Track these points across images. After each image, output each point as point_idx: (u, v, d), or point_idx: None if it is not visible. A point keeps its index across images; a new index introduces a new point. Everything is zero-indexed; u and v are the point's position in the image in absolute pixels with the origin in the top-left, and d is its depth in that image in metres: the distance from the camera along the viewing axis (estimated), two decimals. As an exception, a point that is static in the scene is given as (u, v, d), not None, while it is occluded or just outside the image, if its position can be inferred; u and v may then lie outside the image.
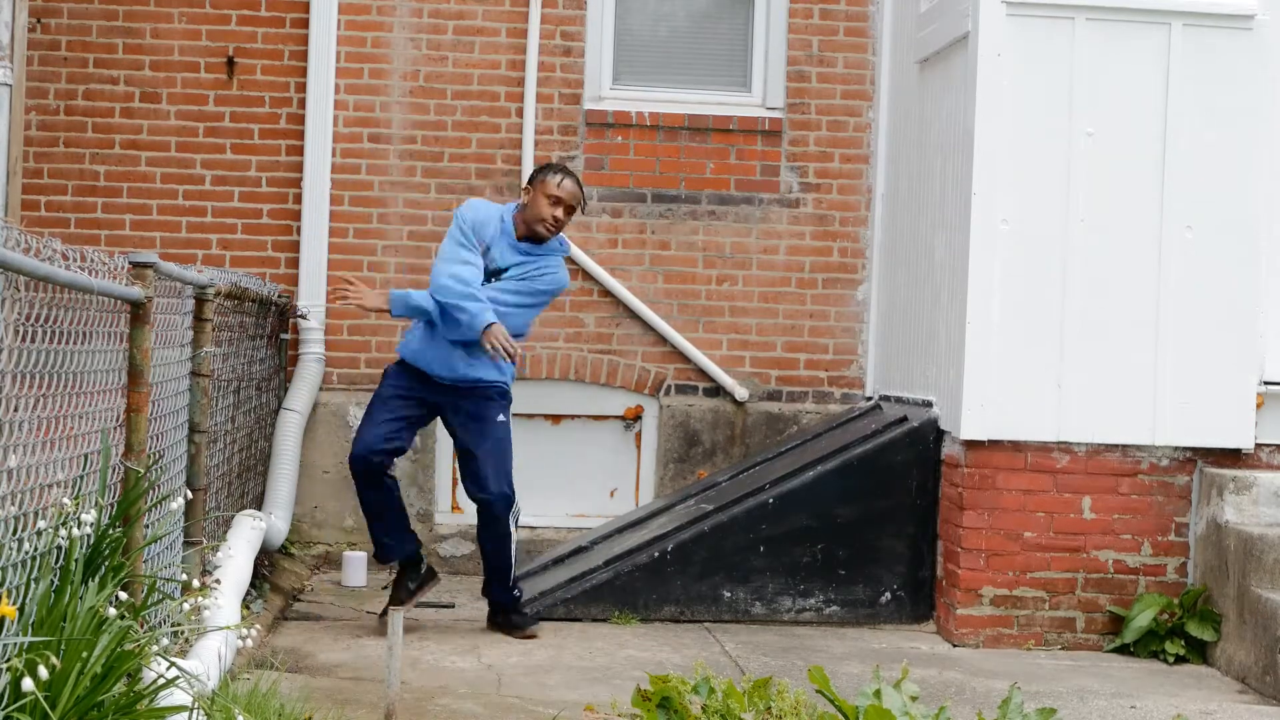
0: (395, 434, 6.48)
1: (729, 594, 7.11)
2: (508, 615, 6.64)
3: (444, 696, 5.31)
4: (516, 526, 6.59)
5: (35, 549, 3.70)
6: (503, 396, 6.55)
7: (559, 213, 6.48)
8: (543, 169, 6.61)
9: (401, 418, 6.50)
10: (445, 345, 6.44)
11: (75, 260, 3.90)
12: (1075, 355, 6.79)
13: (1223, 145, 6.82)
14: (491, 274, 6.46)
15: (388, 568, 6.91)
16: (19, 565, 3.61)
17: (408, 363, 6.56)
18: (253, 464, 7.51)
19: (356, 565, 7.60)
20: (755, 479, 7.45)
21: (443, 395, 6.52)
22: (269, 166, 8.28)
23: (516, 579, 6.70)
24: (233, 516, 6.62)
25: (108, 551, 4.08)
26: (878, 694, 4.51)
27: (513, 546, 6.56)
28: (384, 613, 6.57)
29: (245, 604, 6.10)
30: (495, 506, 6.46)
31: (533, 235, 6.51)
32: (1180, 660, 6.57)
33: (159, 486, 4.80)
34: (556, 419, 8.38)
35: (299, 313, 8.19)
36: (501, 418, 6.52)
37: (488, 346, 6.25)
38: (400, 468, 8.22)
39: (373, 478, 6.47)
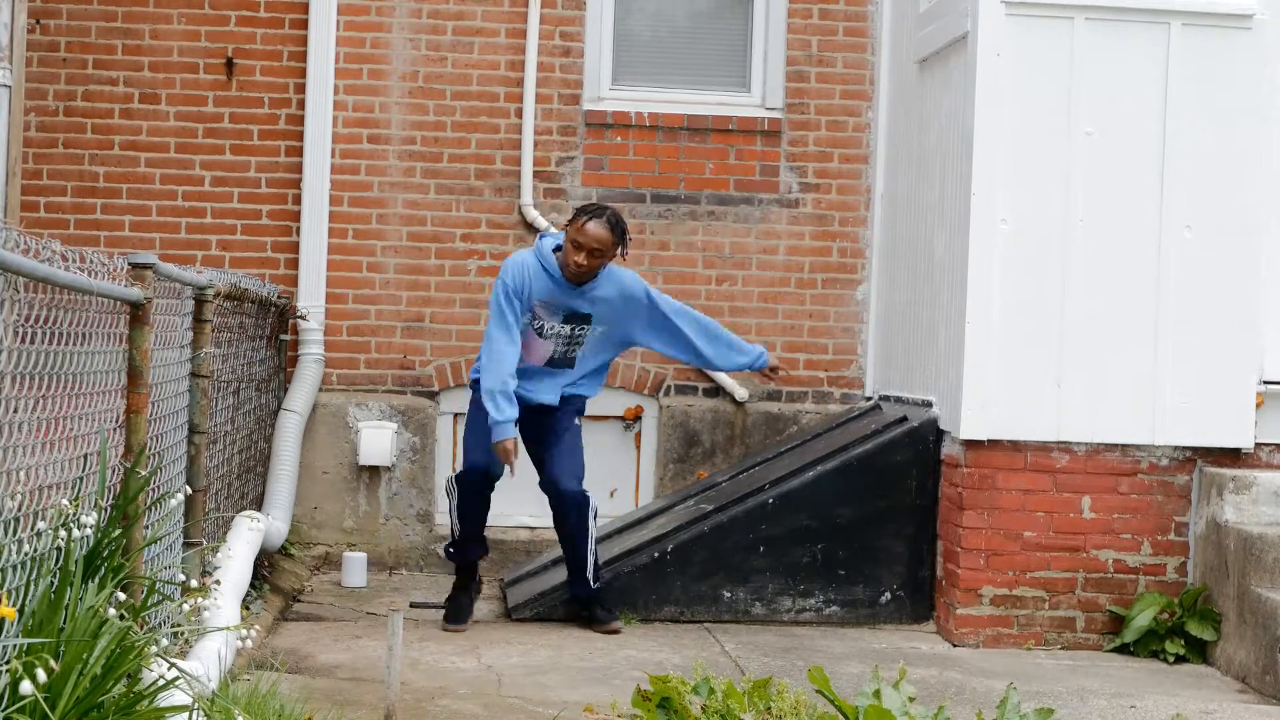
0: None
1: (729, 594, 7.11)
2: (589, 608, 6.76)
3: (444, 697, 5.31)
4: (595, 521, 6.72)
5: (35, 550, 3.70)
6: (579, 403, 6.79)
7: (580, 258, 6.39)
8: (580, 209, 6.53)
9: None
10: (535, 388, 6.63)
11: (75, 261, 3.90)
12: (1075, 355, 6.79)
13: (1222, 145, 6.82)
14: (571, 318, 6.55)
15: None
16: (19, 566, 3.61)
17: None
18: (252, 465, 7.51)
19: (356, 566, 7.59)
20: (755, 479, 7.45)
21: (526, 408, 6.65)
22: (268, 167, 8.29)
23: (599, 573, 6.78)
24: (232, 517, 6.62)
25: (107, 552, 4.08)
26: (877, 694, 4.51)
27: (592, 541, 6.70)
28: (448, 616, 6.72)
29: (245, 605, 6.10)
30: (572, 499, 6.61)
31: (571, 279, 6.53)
32: (1180, 660, 6.57)
33: (158, 487, 4.80)
34: (556, 419, 8.37)
35: (298, 313, 8.19)
36: (576, 421, 6.75)
37: (497, 452, 6.43)
38: (400, 468, 8.24)
39: (483, 490, 6.67)
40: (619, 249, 6.50)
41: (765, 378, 7.23)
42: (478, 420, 6.63)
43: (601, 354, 6.76)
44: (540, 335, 6.57)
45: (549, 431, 6.69)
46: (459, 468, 6.89)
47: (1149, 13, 6.80)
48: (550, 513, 6.77)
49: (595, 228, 6.40)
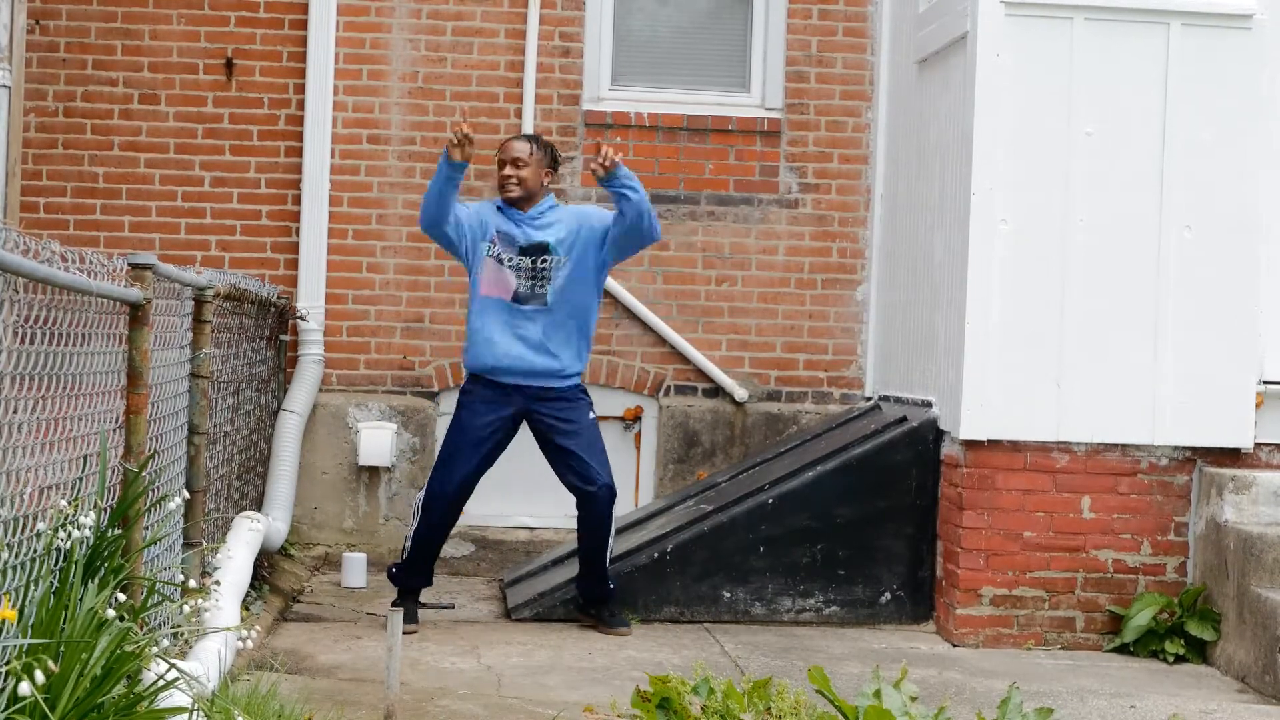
0: (485, 468, 6.69)
1: (728, 594, 7.11)
2: (602, 609, 6.75)
3: (444, 697, 5.31)
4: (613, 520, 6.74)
5: (35, 551, 3.70)
6: (584, 394, 6.73)
7: (506, 170, 6.63)
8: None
9: (491, 452, 6.66)
10: (510, 339, 6.58)
11: (74, 262, 3.90)
12: (1074, 355, 6.79)
13: (1222, 145, 6.82)
14: (529, 249, 6.58)
15: (386, 571, 6.92)
16: (18, 567, 3.61)
17: (481, 376, 6.63)
18: (252, 465, 7.51)
19: (356, 566, 7.59)
20: (755, 479, 7.45)
21: (525, 402, 6.61)
22: (268, 168, 8.29)
23: (610, 574, 6.77)
24: (232, 518, 6.62)
25: (107, 553, 4.08)
26: (878, 694, 4.51)
27: (612, 539, 6.70)
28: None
29: (245, 605, 6.10)
30: (603, 497, 6.59)
31: (513, 203, 6.65)
32: (1180, 660, 6.57)
33: (158, 488, 4.80)
34: (556, 420, 8.37)
35: (298, 314, 8.19)
36: (591, 415, 6.72)
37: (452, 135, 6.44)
38: (400, 468, 8.24)
39: (452, 515, 6.66)
40: (545, 164, 6.67)
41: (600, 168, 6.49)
42: (464, 420, 6.62)
43: (577, 293, 6.61)
44: (500, 263, 6.58)
45: (569, 435, 6.62)
46: (433, 482, 6.67)
47: (1149, 13, 6.80)
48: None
49: (515, 141, 6.76)
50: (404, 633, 6.35)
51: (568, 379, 6.63)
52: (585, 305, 6.68)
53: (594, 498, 6.59)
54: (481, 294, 6.60)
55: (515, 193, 6.61)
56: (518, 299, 6.59)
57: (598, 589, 6.75)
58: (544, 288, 6.59)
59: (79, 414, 4.10)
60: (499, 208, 6.69)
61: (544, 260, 6.59)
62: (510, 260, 6.58)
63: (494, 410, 6.59)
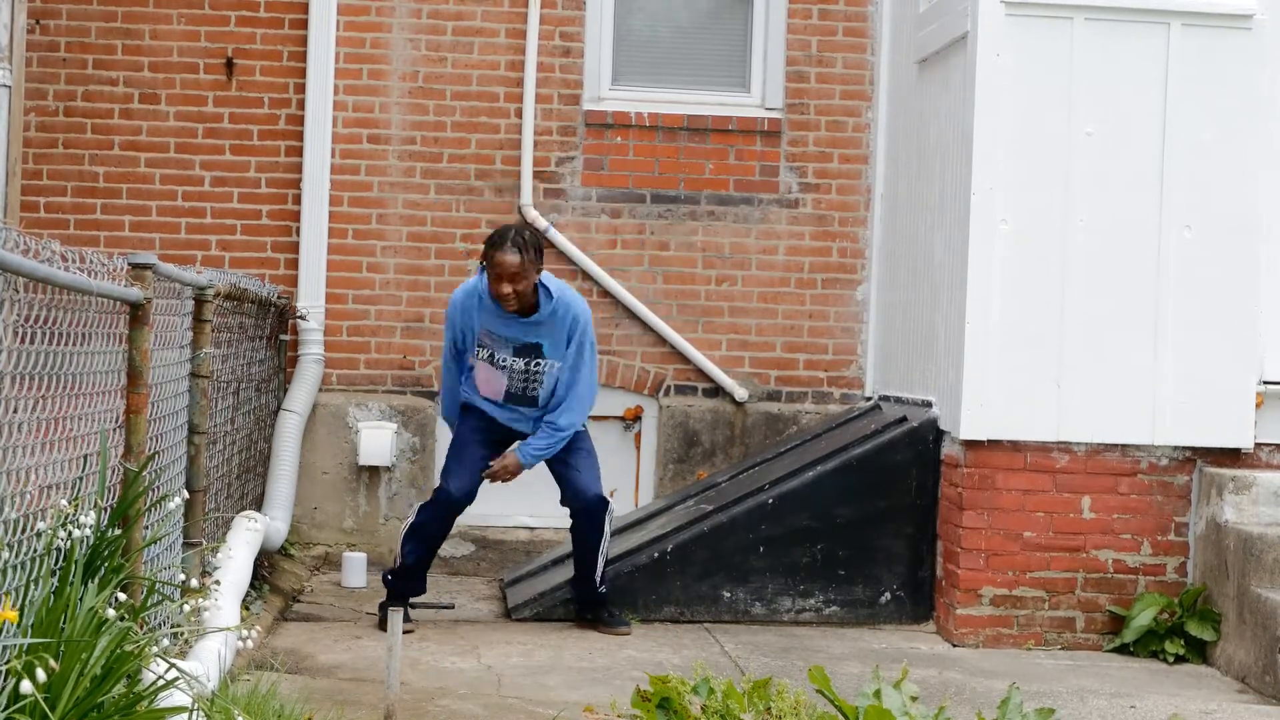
0: (478, 479, 6.68)
1: (729, 594, 7.11)
2: (599, 611, 6.76)
3: (444, 697, 5.31)
4: (611, 524, 6.73)
5: (35, 550, 3.70)
6: None
7: (504, 289, 6.33)
8: (487, 240, 6.45)
9: (485, 464, 6.66)
10: (511, 413, 6.65)
11: (74, 261, 3.90)
12: (1075, 355, 6.79)
13: (1222, 145, 6.82)
14: (522, 350, 6.49)
15: (382, 577, 6.91)
16: (18, 567, 3.61)
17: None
18: (252, 465, 7.51)
19: (356, 566, 7.59)
20: (755, 479, 7.45)
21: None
22: (268, 167, 8.29)
23: (605, 576, 6.77)
24: (232, 518, 6.62)
25: (107, 553, 4.08)
26: (877, 694, 4.51)
27: (605, 545, 6.71)
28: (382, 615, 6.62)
29: (245, 605, 6.10)
30: (596, 510, 6.61)
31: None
32: (1180, 660, 6.57)
33: (158, 488, 4.80)
34: (556, 419, 8.37)
35: (298, 314, 8.19)
36: (582, 425, 6.69)
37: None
38: (400, 468, 8.24)
39: (451, 521, 6.64)
40: (536, 264, 6.35)
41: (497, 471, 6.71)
42: (465, 432, 6.66)
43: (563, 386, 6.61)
44: (493, 364, 6.52)
45: (564, 448, 6.64)
46: (435, 491, 6.73)
47: (1149, 13, 6.80)
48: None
49: (503, 256, 6.29)
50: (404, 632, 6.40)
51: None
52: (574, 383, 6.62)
53: (585, 511, 6.62)
54: (475, 390, 6.62)
55: (514, 307, 6.39)
56: (510, 398, 6.59)
57: (590, 593, 6.77)
58: (535, 390, 6.57)
59: (79, 413, 4.10)
60: (493, 301, 6.42)
61: (537, 363, 6.52)
62: (503, 360, 6.51)
63: (491, 426, 6.68)
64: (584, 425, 6.70)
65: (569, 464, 6.63)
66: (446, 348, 6.72)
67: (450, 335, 6.64)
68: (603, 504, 6.63)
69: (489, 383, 6.58)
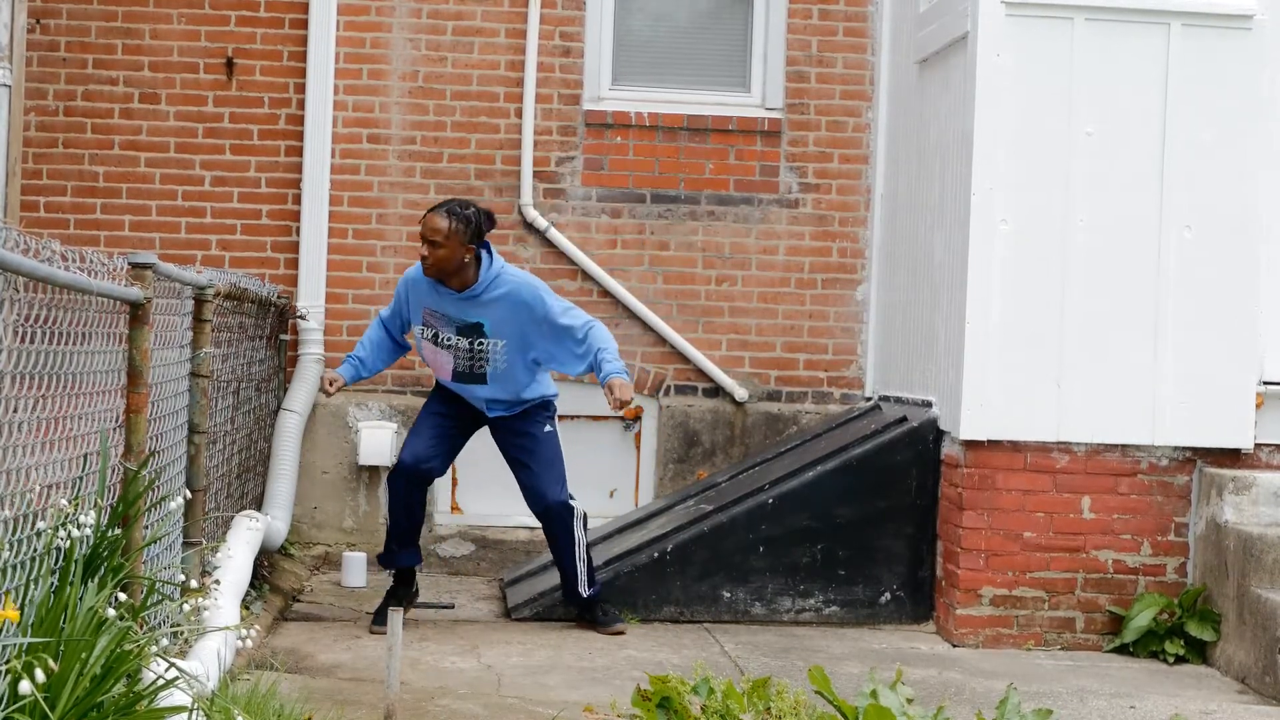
0: (446, 445, 6.65)
1: (728, 594, 7.11)
2: (593, 611, 6.74)
3: (444, 697, 5.31)
4: (585, 529, 6.68)
5: (35, 550, 3.70)
6: (546, 408, 6.67)
7: (424, 250, 6.32)
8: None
9: (446, 434, 6.63)
10: (463, 390, 6.62)
11: (74, 261, 3.90)
12: (1075, 355, 6.79)
13: (1222, 145, 6.82)
14: (465, 330, 6.45)
15: (388, 571, 6.92)
16: (18, 566, 3.61)
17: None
18: (252, 465, 7.51)
19: (356, 566, 7.59)
20: (755, 479, 7.45)
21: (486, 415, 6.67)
22: (268, 167, 8.29)
23: (595, 577, 6.75)
24: (232, 517, 6.62)
25: (107, 552, 4.08)
26: (875, 694, 4.52)
27: (580, 549, 6.65)
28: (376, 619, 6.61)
29: (245, 605, 6.10)
30: (557, 515, 6.58)
31: (438, 280, 6.42)
32: (1180, 660, 6.57)
33: (158, 487, 4.80)
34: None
35: (298, 313, 8.19)
36: (548, 428, 6.65)
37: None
38: (400, 468, 8.23)
39: (413, 490, 6.58)
40: (465, 239, 6.27)
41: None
42: (430, 406, 6.69)
43: (514, 370, 6.51)
44: (437, 344, 6.50)
45: (523, 450, 6.61)
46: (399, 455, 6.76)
47: (1149, 13, 6.80)
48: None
49: (432, 217, 6.32)
50: (378, 632, 6.37)
51: (525, 403, 6.62)
52: (527, 376, 6.56)
53: (544, 516, 6.61)
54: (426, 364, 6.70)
55: (430, 273, 6.37)
56: (458, 377, 6.55)
57: (574, 598, 6.74)
58: (483, 368, 6.51)
59: (79, 413, 4.10)
60: (433, 279, 6.42)
61: (480, 342, 6.46)
62: (447, 340, 6.47)
63: (454, 401, 6.67)
64: (553, 427, 6.65)
65: (529, 468, 6.60)
66: (386, 310, 6.74)
67: (395, 303, 6.66)
68: (564, 508, 6.58)
69: (435, 362, 6.58)
